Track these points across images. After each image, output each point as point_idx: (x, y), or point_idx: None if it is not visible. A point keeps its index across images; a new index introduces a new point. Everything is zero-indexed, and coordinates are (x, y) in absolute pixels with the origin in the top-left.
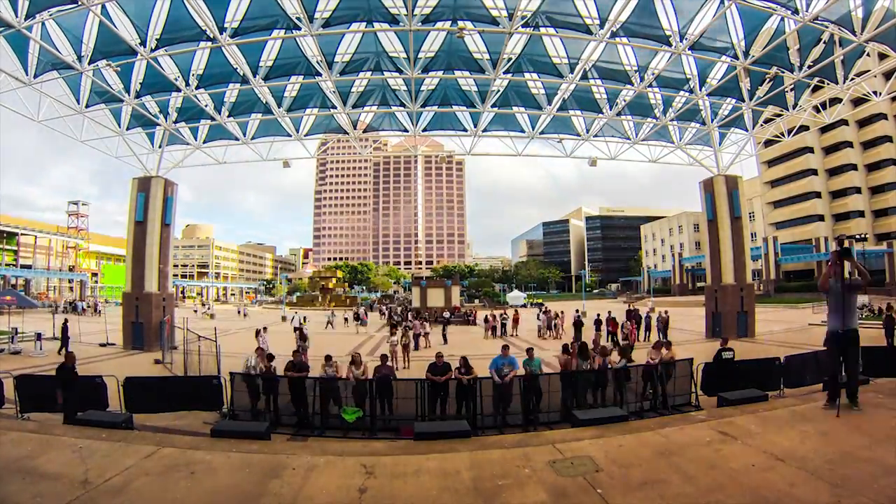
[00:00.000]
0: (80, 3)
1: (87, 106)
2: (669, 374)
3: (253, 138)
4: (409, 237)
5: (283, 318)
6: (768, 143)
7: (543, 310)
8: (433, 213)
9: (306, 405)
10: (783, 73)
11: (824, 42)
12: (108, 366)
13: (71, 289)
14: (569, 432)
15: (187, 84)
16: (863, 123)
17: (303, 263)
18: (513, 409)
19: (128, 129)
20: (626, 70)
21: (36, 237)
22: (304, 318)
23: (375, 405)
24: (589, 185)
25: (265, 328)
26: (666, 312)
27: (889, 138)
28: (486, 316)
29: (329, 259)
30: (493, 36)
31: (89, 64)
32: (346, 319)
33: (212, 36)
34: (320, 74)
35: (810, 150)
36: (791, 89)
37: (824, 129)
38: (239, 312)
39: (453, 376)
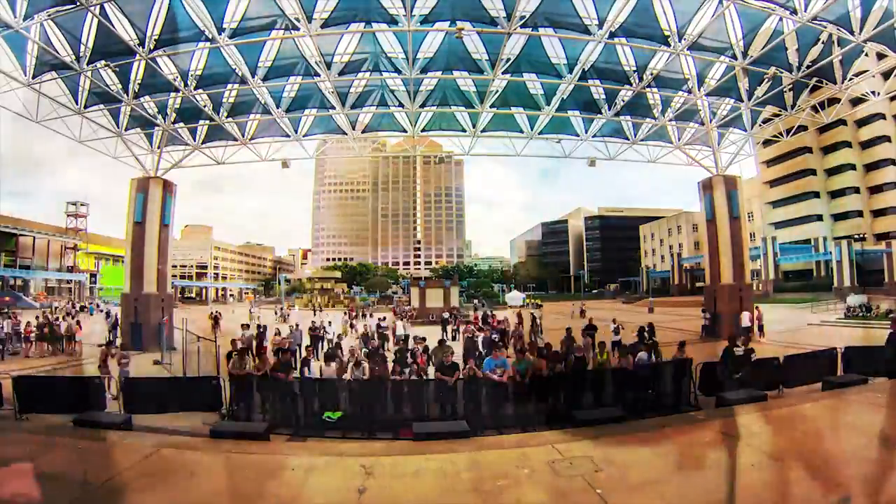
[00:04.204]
0: (78, 3)
1: (85, 106)
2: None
3: (252, 139)
4: (408, 237)
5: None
6: (767, 143)
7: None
8: (432, 214)
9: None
10: (782, 73)
11: (822, 42)
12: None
13: (70, 290)
14: (568, 432)
15: (186, 84)
16: (861, 123)
17: (302, 264)
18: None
19: (126, 129)
20: (625, 70)
21: (34, 238)
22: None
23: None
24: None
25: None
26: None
27: (887, 138)
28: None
29: (328, 259)
30: (492, 36)
31: (88, 64)
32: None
33: (210, 36)
34: (319, 75)
35: (809, 150)
36: (789, 89)
37: (823, 129)
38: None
39: (461, 376)
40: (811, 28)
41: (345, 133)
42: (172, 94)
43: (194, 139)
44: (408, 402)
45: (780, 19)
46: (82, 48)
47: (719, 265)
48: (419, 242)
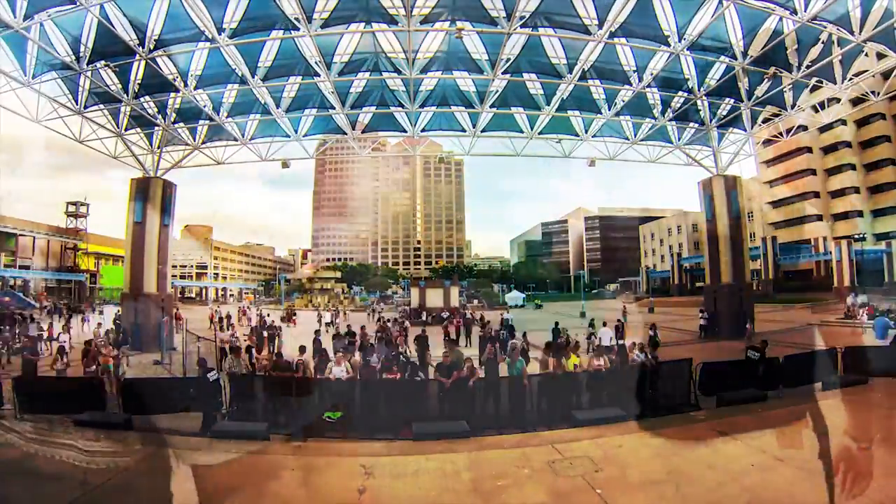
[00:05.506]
0: (78, 3)
1: (85, 106)
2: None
3: (252, 139)
4: (408, 237)
5: (283, 319)
6: (767, 142)
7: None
8: (432, 214)
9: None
10: (781, 73)
11: (822, 42)
12: None
13: (70, 290)
14: (568, 432)
15: (186, 84)
16: (861, 123)
17: (301, 264)
18: (509, 411)
19: (126, 129)
20: (625, 70)
21: (34, 238)
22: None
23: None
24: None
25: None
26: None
27: (887, 138)
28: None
29: (328, 259)
30: (492, 36)
31: (88, 65)
32: None
33: (210, 36)
34: (319, 75)
35: (808, 149)
36: (789, 89)
37: (822, 129)
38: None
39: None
40: (811, 28)
41: (345, 133)
42: (172, 94)
43: (194, 139)
44: (408, 402)
45: (780, 19)
46: (82, 48)
47: (719, 265)
48: (419, 242)
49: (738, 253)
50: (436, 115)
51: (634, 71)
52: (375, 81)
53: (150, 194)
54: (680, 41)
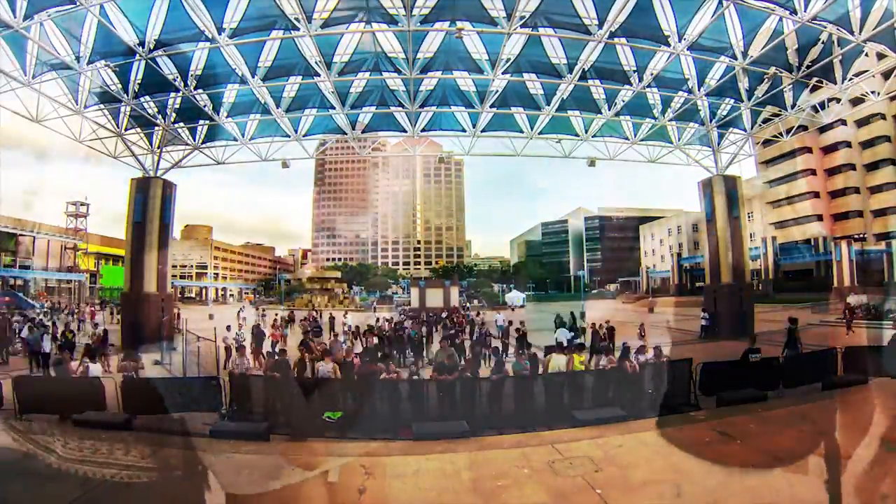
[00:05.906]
0: (78, 3)
1: (85, 106)
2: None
3: (252, 139)
4: (408, 237)
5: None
6: (767, 142)
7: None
8: (432, 213)
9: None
10: (781, 73)
11: (822, 42)
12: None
13: (70, 290)
14: (567, 432)
15: (186, 84)
16: (861, 123)
17: (301, 264)
18: (509, 411)
19: (126, 129)
20: (625, 70)
21: (34, 238)
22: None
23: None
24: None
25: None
26: None
27: (887, 138)
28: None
29: (328, 260)
30: (492, 36)
31: (88, 64)
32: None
33: (210, 36)
34: (319, 75)
35: (808, 149)
36: (789, 89)
37: (822, 129)
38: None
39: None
40: (811, 28)
41: (345, 133)
42: (172, 94)
43: (194, 139)
44: (408, 402)
45: (780, 19)
46: (82, 48)
47: (719, 265)
48: (419, 242)
49: (738, 253)
50: (436, 115)
51: (634, 71)
52: (375, 81)
53: (150, 194)
54: (680, 41)
